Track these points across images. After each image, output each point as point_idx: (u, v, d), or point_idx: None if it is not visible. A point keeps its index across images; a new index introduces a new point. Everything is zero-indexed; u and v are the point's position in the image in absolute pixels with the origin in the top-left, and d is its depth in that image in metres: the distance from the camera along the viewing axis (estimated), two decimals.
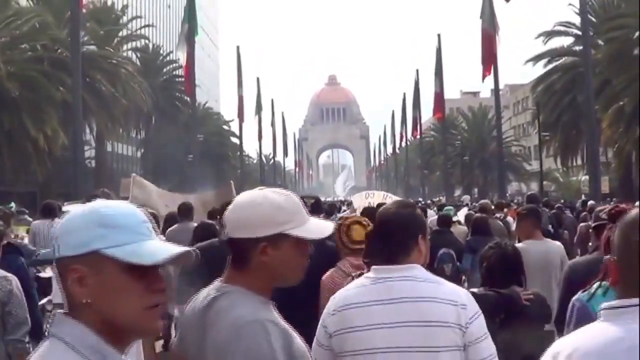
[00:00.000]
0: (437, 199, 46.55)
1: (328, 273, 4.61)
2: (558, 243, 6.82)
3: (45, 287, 7.69)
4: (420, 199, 47.45)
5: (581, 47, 40.22)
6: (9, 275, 4.45)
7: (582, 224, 12.40)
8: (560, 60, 41.87)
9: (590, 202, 23.16)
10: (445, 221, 9.53)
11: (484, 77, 30.96)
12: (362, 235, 4.29)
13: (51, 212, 9.83)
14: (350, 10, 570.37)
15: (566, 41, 42.27)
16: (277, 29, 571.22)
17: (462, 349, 2.59)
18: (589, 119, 22.08)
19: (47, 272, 7.74)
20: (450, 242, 8.38)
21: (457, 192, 65.66)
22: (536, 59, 41.78)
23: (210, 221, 7.68)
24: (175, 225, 9.13)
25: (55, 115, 31.07)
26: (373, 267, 2.78)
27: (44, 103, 31.75)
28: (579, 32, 40.42)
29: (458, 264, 8.14)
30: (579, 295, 3.22)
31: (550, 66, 41.46)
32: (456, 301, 2.61)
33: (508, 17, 29.37)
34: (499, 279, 4.12)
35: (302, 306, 3.83)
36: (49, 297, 7.61)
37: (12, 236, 7.31)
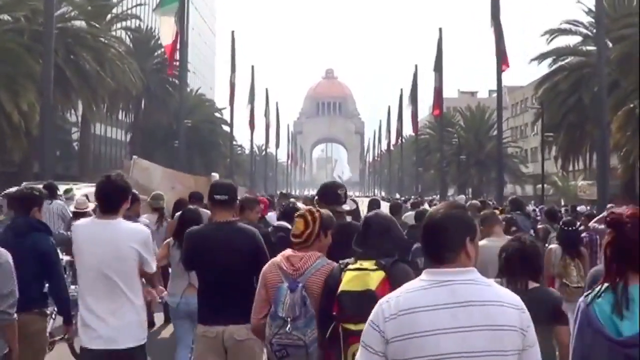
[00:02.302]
0: (431, 198, 45.55)
1: (267, 263, 4.62)
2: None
3: None
4: (399, 196, 46.39)
5: (588, 47, 39.18)
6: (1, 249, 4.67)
7: (540, 226, 12.91)
8: (566, 60, 40.40)
9: (580, 208, 22.11)
10: (422, 217, 8.75)
11: (503, 70, 29.51)
12: (299, 229, 4.48)
13: (52, 193, 10.58)
14: (350, 5, 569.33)
15: (572, 40, 40.89)
16: (276, 20, 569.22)
17: (519, 353, 2.61)
18: (600, 120, 20.52)
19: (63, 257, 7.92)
20: None
21: (451, 192, 64.69)
22: (541, 57, 40.32)
23: (194, 206, 8.30)
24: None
25: (34, 90, 28.93)
26: (428, 269, 2.72)
27: (22, 77, 29.87)
28: (586, 31, 39.28)
29: None
30: (583, 297, 3.08)
31: (555, 65, 39.99)
32: (518, 305, 2.65)
33: (504, 19, 28.40)
34: (517, 270, 4.62)
35: None
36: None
37: None
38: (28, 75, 29.70)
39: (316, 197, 5.96)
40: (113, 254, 4.70)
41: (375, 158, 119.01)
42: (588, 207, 24.64)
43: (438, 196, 47.76)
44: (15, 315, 4.65)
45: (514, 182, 64.01)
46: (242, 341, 4.98)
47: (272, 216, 11.88)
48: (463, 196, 40.28)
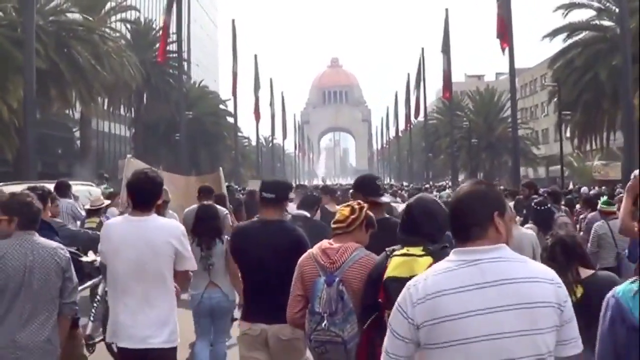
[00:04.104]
0: (442, 183, 44.63)
1: (303, 255, 4.52)
2: (530, 231, 7.56)
3: (86, 270, 7.62)
4: (405, 184, 45.41)
5: (602, 22, 37.70)
6: (59, 244, 4.77)
7: None
8: (580, 35, 38.84)
9: (583, 189, 21.08)
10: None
11: (503, 49, 28.95)
12: (344, 215, 4.38)
13: (62, 192, 10.44)
14: None
15: (585, 15, 39.33)
16: (279, 10, 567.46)
17: (557, 329, 2.50)
18: (626, 96, 19.11)
19: (90, 256, 7.74)
20: None
21: (462, 177, 63.51)
22: (554, 33, 38.74)
23: (209, 202, 8.40)
24: (194, 206, 9.33)
25: (24, 86, 27.74)
26: (455, 249, 2.60)
27: (12, 73, 28.61)
28: (599, 4, 37.78)
29: None
30: (613, 291, 2.74)
31: (570, 41, 38.43)
32: (553, 279, 2.53)
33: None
34: (564, 263, 4.43)
35: None
36: (94, 280, 7.93)
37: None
38: (18, 71, 28.44)
39: (351, 190, 5.72)
40: (150, 252, 4.67)
41: (384, 145, 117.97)
42: (595, 189, 23.49)
43: (450, 182, 46.57)
44: (77, 308, 4.81)
45: (526, 165, 62.73)
46: (286, 340, 4.89)
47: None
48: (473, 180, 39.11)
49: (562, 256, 4.49)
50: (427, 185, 39.24)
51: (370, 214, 4.51)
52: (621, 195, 11.56)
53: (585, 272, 4.45)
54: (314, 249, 4.42)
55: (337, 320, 4.03)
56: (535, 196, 12.59)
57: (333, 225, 4.45)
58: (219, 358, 7.26)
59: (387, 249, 4.04)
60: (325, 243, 4.38)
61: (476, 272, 2.47)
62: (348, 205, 4.50)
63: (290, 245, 4.96)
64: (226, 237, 7.29)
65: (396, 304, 2.59)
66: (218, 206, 8.60)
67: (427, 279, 2.55)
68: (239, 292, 6.94)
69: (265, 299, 4.97)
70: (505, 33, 28.02)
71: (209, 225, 7.25)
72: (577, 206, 14.22)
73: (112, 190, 14.42)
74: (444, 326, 2.44)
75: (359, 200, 4.64)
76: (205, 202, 8.22)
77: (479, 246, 2.53)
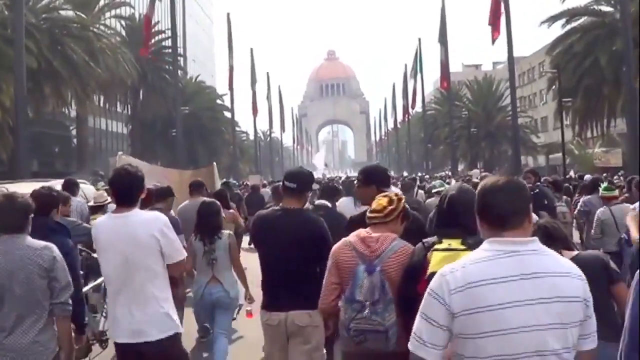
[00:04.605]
0: (443, 173, 44.38)
1: (338, 243, 4.43)
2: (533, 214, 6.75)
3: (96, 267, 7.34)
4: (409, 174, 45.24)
5: (600, 7, 37.33)
6: (49, 244, 4.67)
7: None
8: (579, 21, 38.43)
9: (587, 176, 20.87)
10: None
11: (493, 39, 28.60)
12: (381, 204, 4.34)
13: (71, 191, 10.17)
14: None
15: (582, 1, 38.87)
16: (274, 3, 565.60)
17: (581, 323, 2.55)
18: (628, 81, 18.78)
19: None
20: None
21: (461, 167, 63.21)
22: (552, 19, 38.30)
23: (211, 199, 8.25)
24: (186, 202, 9.67)
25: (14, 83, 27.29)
26: (490, 239, 2.60)
27: (4, 71, 28.19)
28: None
29: None
30: None
31: (568, 27, 38.02)
32: (581, 275, 2.58)
33: None
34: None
35: None
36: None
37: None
38: (10, 69, 28.06)
39: (357, 180, 5.71)
40: (136, 247, 4.67)
41: (382, 137, 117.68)
42: (594, 175, 23.17)
43: (450, 172, 46.29)
44: (71, 308, 4.66)
45: (526, 154, 62.49)
46: (304, 327, 4.93)
47: None
48: (477, 170, 38.90)
49: (544, 241, 4.46)
50: (428, 176, 39.02)
51: (407, 206, 4.52)
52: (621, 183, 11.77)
53: (568, 254, 4.44)
54: (351, 237, 4.34)
55: (378, 309, 3.99)
56: (538, 184, 12.68)
57: (369, 215, 4.40)
58: (221, 353, 7.26)
59: (423, 240, 4.03)
60: (363, 232, 4.32)
61: (515, 264, 2.49)
62: (386, 196, 4.46)
63: (311, 234, 5.00)
64: (229, 232, 7.56)
65: (429, 290, 2.57)
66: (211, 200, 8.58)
67: (466, 267, 2.54)
68: (244, 283, 7.35)
69: (285, 287, 5.00)
70: (497, 22, 27.65)
71: (209, 222, 7.34)
72: (576, 195, 14.14)
73: (107, 187, 14.36)
74: (481, 316, 2.44)
75: (397, 192, 4.63)
76: (205, 200, 8.23)
77: (515, 237, 2.55)
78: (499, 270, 2.48)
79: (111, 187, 5.01)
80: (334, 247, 4.42)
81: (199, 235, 7.29)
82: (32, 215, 4.78)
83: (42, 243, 4.66)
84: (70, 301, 4.66)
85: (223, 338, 7.32)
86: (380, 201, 4.41)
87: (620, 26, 20.99)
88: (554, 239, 4.55)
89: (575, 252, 4.66)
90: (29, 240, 4.62)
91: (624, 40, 19.54)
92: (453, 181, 25.38)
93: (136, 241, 4.68)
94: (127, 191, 4.82)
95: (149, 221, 4.80)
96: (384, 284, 4.04)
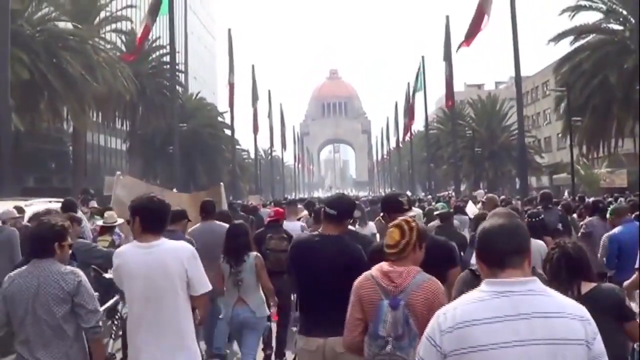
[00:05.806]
0: (446, 193, 43.55)
1: (360, 277, 4.34)
2: (540, 241, 7.11)
3: (108, 287, 7.49)
4: (407, 194, 44.26)
5: (610, 25, 36.63)
6: (75, 269, 4.88)
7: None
8: (587, 38, 37.71)
9: (587, 202, 20.01)
10: (446, 216, 10.86)
11: (459, 47, 29.00)
12: (394, 239, 4.26)
13: (75, 210, 10.04)
14: (349, 4, 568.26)
15: (591, 18, 38.21)
16: (276, 22, 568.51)
17: None
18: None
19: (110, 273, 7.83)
20: (451, 236, 8.14)
21: (463, 187, 62.44)
22: (559, 37, 37.57)
23: (239, 221, 8.63)
24: (198, 225, 9.36)
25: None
26: (488, 280, 2.62)
27: None
28: (605, 7, 36.69)
29: (461, 254, 8.10)
30: None
31: (576, 44, 37.31)
32: (582, 316, 2.55)
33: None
34: (565, 279, 4.32)
35: None
36: (116, 298, 7.87)
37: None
38: None
39: (382, 214, 5.87)
40: (164, 277, 4.66)
41: (384, 156, 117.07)
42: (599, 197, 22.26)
43: (453, 192, 45.46)
44: (100, 331, 4.79)
45: (530, 174, 61.77)
46: (343, 354, 4.76)
47: (289, 224, 10.76)
48: (481, 191, 37.98)
49: (566, 273, 4.38)
50: (430, 196, 38.12)
51: (422, 226, 4.47)
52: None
53: (587, 286, 4.36)
54: (373, 271, 4.27)
55: (403, 345, 3.94)
56: (550, 206, 12.28)
57: (386, 250, 4.30)
58: None
59: (472, 267, 4.04)
60: (385, 265, 4.24)
61: (507, 304, 2.48)
62: (397, 226, 4.30)
63: (349, 261, 4.95)
64: (256, 253, 7.65)
65: (425, 333, 2.61)
66: (221, 223, 8.92)
67: (457, 308, 2.56)
68: (273, 302, 7.72)
69: (322, 313, 4.99)
70: (475, 33, 27.16)
71: (239, 243, 7.47)
72: (574, 215, 13.94)
73: (96, 206, 14.01)
74: (472, 356, 2.44)
75: (405, 217, 4.54)
76: (235, 222, 8.40)
77: (513, 277, 2.55)
78: (491, 311, 2.48)
79: (138, 214, 4.83)
80: (356, 281, 4.31)
81: (227, 258, 7.45)
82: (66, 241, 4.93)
83: (69, 268, 4.83)
84: (100, 325, 4.79)
85: (250, 359, 7.47)
86: (392, 234, 4.29)
87: (630, 44, 20.22)
88: (577, 271, 4.40)
89: (593, 285, 4.44)
90: (57, 265, 4.77)
91: (635, 58, 18.73)
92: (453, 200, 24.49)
93: (164, 271, 4.67)
94: (157, 221, 4.82)
95: (177, 250, 4.80)
96: (408, 319, 3.97)
